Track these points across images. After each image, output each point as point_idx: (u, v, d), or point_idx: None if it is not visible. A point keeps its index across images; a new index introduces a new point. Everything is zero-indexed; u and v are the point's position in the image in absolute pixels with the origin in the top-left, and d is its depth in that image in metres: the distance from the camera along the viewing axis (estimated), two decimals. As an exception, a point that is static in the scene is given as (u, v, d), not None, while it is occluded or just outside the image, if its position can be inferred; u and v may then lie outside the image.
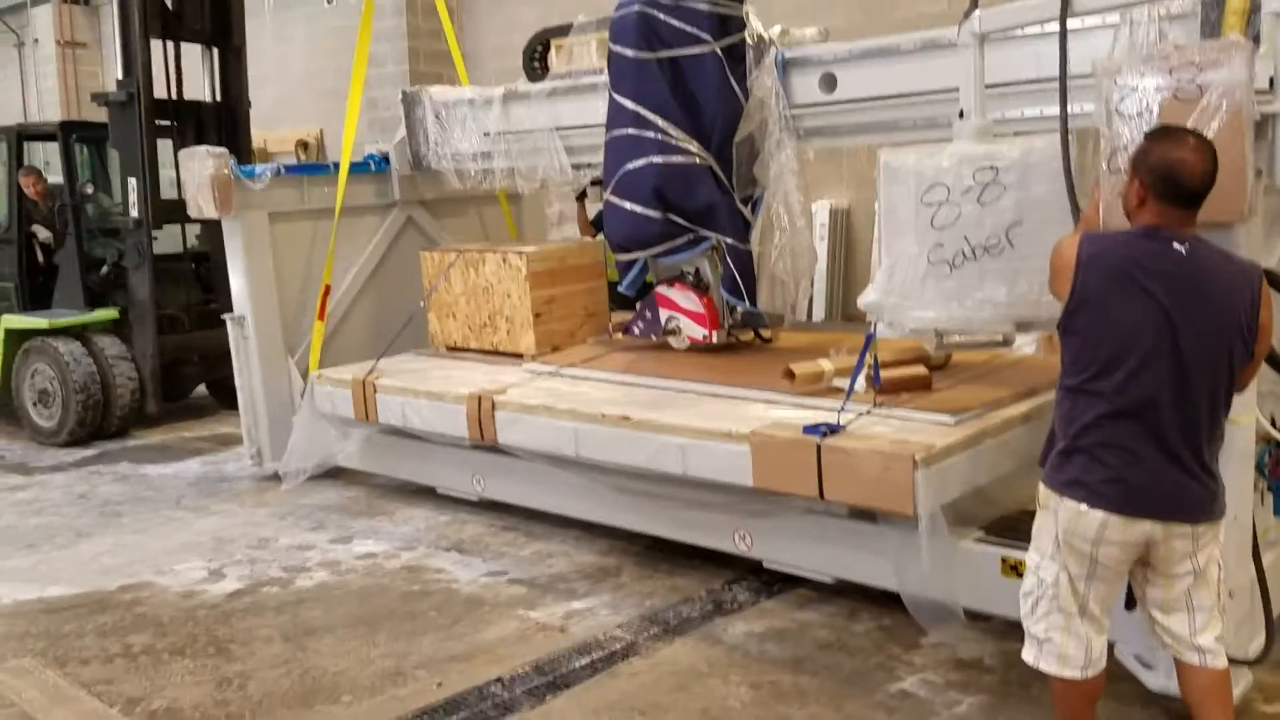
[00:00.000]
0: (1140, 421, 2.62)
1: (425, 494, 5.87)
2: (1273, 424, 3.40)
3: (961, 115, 3.70)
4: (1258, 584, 3.26)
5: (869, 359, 4.13)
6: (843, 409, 4.02)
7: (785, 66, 4.96)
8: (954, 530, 3.76)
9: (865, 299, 3.90)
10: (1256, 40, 3.09)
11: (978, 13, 3.61)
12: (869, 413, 4.07)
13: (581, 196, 7.71)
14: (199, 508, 6.06)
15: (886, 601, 4.10)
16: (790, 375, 4.48)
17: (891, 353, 4.39)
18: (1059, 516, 2.74)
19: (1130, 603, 2.96)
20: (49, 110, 15.96)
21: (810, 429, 3.96)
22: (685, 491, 4.56)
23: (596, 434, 4.63)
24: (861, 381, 4.23)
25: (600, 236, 7.70)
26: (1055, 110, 3.70)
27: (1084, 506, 2.67)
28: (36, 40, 16.20)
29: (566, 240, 7.61)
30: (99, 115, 7.93)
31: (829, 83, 4.86)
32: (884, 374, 4.19)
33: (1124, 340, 2.60)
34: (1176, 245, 2.59)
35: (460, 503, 5.69)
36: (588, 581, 4.72)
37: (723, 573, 4.67)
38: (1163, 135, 2.69)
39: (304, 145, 12.85)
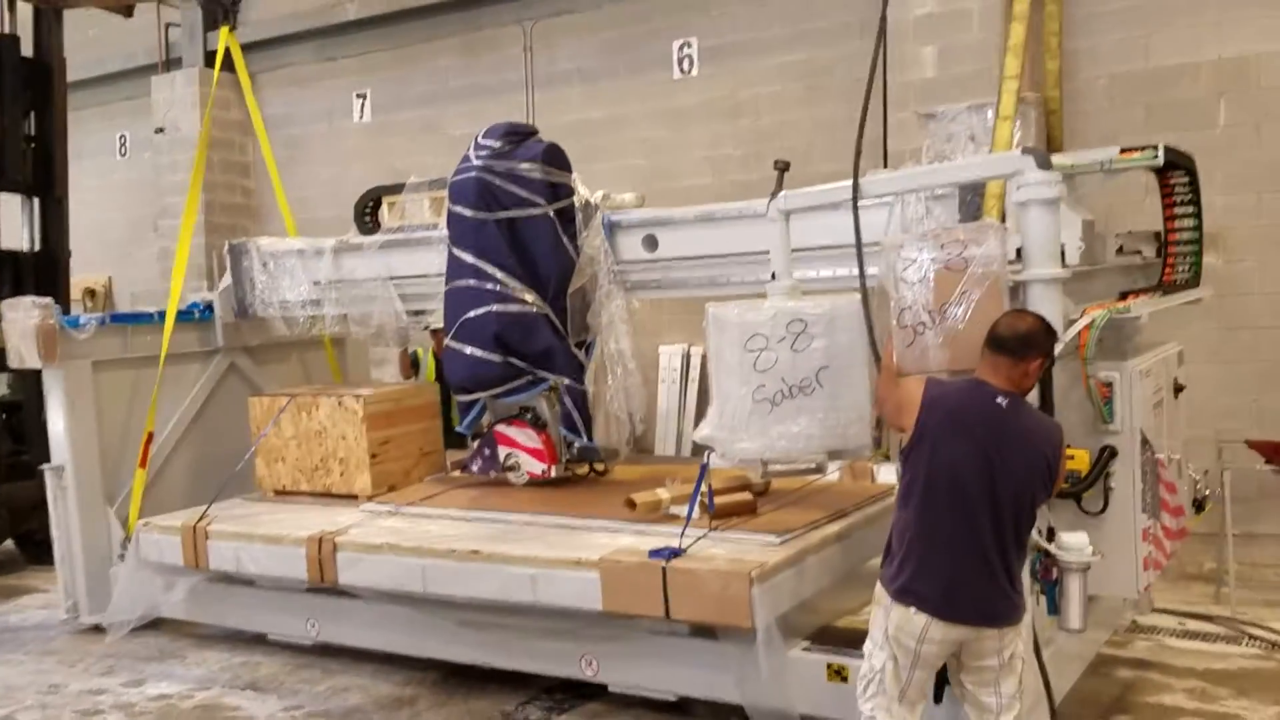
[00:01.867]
0: (961, 542, 3.18)
1: (217, 637, 5.92)
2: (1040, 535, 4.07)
3: (774, 276, 4.31)
4: (1040, 675, 3.83)
5: (704, 487, 4.57)
6: (683, 534, 4.41)
7: (611, 228, 5.52)
8: (786, 640, 4.19)
9: (699, 433, 4.39)
10: (1003, 219, 3.88)
11: (783, 193, 4.28)
12: (706, 536, 4.49)
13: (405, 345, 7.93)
14: None
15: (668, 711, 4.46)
16: (631, 504, 4.86)
17: (720, 481, 4.86)
18: (890, 615, 3.24)
19: (938, 697, 3.47)
20: None
21: (655, 553, 4.33)
22: (530, 621, 4.78)
23: (445, 569, 4.79)
24: (696, 508, 4.65)
25: (417, 378, 7.97)
26: (843, 270, 4.46)
27: (912, 610, 3.19)
28: None
29: (397, 383, 7.77)
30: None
31: (651, 243, 5.45)
32: (717, 500, 4.64)
33: (953, 473, 3.17)
34: (999, 399, 3.21)
35: (254, 644, 5.79)
36: (383, 712, 4.92)
37: (516, 695, 4.98)
38: (1014, 310, 3.38)
39: (91, 293, 12.46)
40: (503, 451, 5.80)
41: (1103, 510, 3.85)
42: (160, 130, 11.20)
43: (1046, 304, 3.46)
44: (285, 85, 9.37)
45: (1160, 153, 3.97)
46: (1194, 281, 4.59)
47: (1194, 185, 4.48)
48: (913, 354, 3.52)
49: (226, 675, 5.45)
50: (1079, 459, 3.74)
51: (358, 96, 10.79)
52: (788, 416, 4.20)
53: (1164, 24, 6.72)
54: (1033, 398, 3.44)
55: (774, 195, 4.30)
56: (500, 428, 5.81)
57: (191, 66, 11.22)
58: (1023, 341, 3.21)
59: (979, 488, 3.16)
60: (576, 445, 5.69)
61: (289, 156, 10.45)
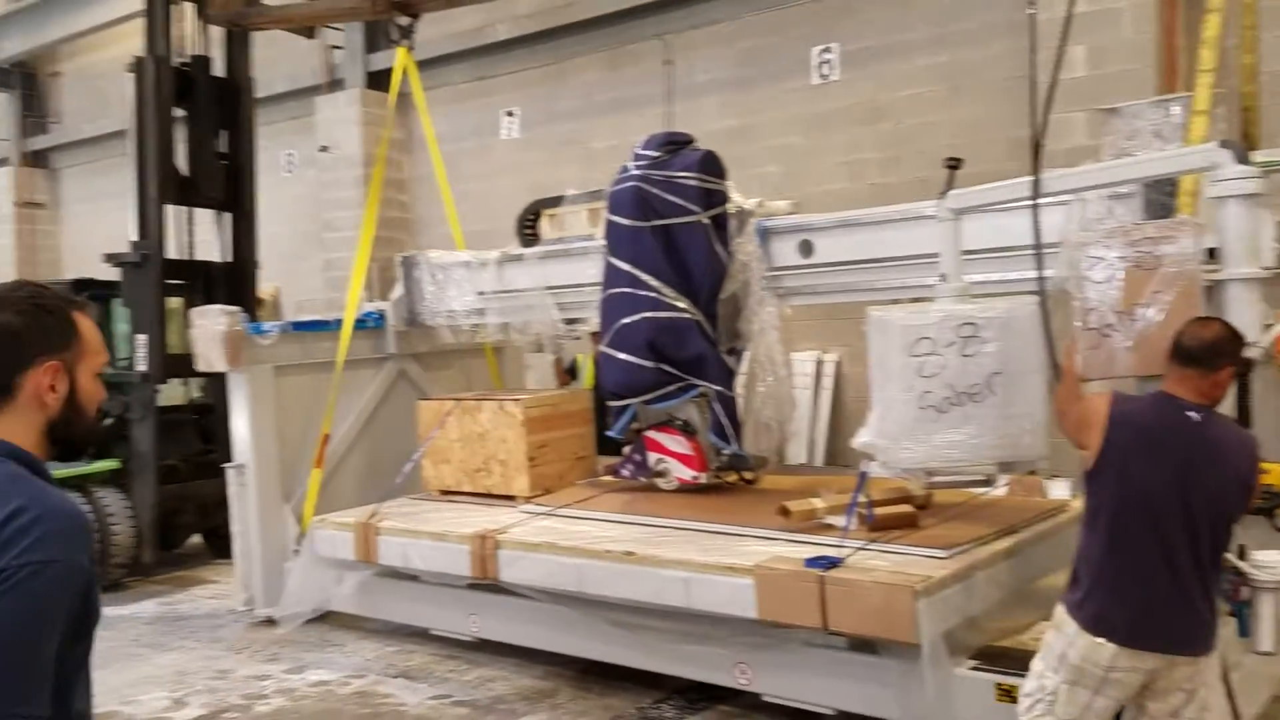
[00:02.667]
0: (1155, 567, 3.00)
1: (374, 629, 6.16)
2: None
3: (943, 278, 4.19)
4: (1228, 700, 3.57)
5: (862, 497, 4.48)
6: (841, 544, 4.33)
7: (765, 234, 5.50)
8: (951, 658, 4.04)
9: (858, 440, 4.30)
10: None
11: (954, 192, 4.16)
12: (865, 548, 4.39)
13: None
14: (158, 644, 6.26)
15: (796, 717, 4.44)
16: (785, 513, 4.80)
17: (879, 491, 4.75)
18: (1076, 643, 3.08)
19: None
20: (3, 268, 16.15)
21: (812, 562, 4.25)
22: (682, 625, 4.78)
23: (600, 569, 4.86)
24: (854, 519, 4.56)
25: (573, 384, 8.12)
26: (1007, 274, 4.31)
27: (1100, 639, 3.03)
28: None
29: (555, 389, 7.94)
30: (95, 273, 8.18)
31: (806, 248, 5.40)
32: (876, 511, 4.53)
33: (1145, 495, 3.00)
34: (1190, 413, 3.03)
35: (407, 635, 6.01)
36: (526, 703, 5.06)
37: (652, 692, 5.04)
38: (1198, 318, 3.18)
39: (260, 302, 13.20)
40: (653, 457, 5.84)
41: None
42: (324, 148, 11.76)
43: (1245, 305, 3.25)
44: (438, 104, 9.71)
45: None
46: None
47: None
48: (1098, 358, 3.35)
49: (381, 664, 5.69)
50: (1274, 473, 3.47)
51: (506, 114, 11.13)
52: (955, 424, 4.07)
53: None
54: (1227, 408, 3.22)
55: (944, 193, 4.18)
56: (651, 434, 5.85)
57: (353, 87, 11.78)
58: (1212, 351, 3.01)
59: (1173, 509, 2.98)
60: (725, 452, 5.68)
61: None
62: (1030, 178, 3.88)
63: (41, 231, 16.56)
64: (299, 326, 6.70)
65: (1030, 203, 3.85)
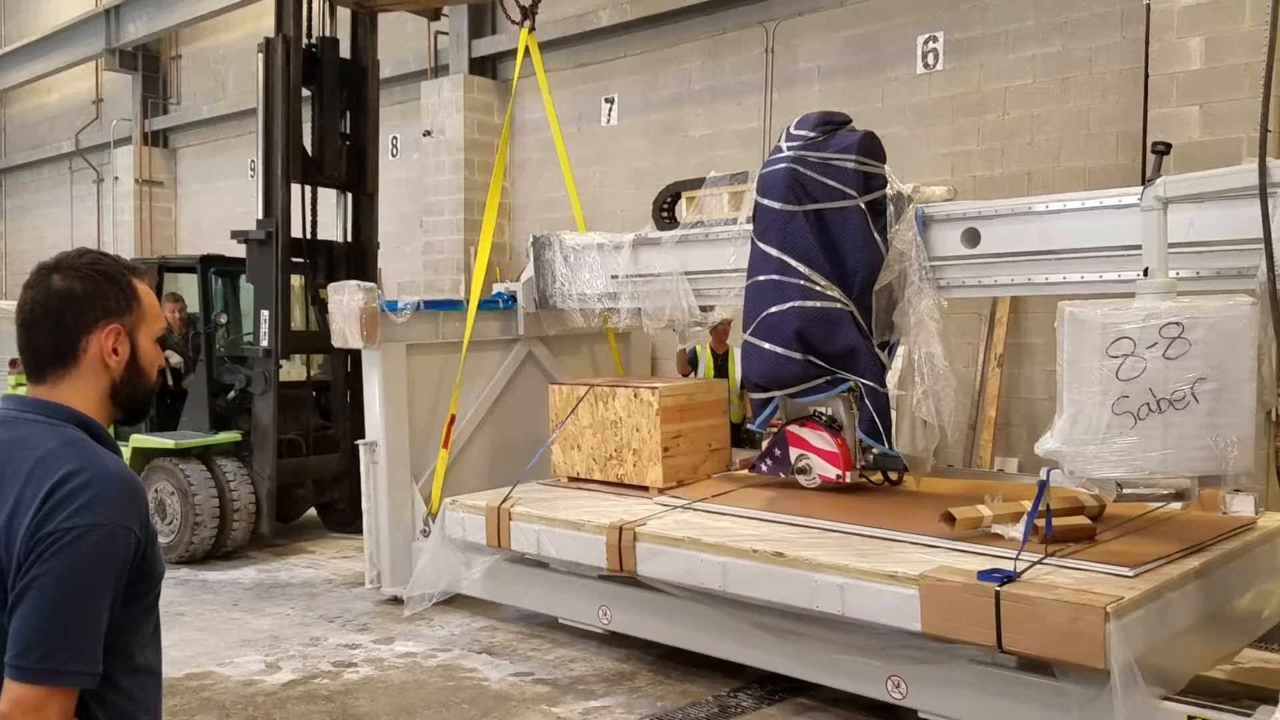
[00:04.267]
0: None
1: (460, 604, 6.23)
2: None
3: (1146, 273, 3.85)
4: None
5: (1042, 507, 4.16)
6: (1018, 557, 4.03)
7: (925, 221, 5.18)
8: (1144, 686, 3.71)
9: (1045, 445, 3.97)
10: None
11: (1163, 178, 3.80)
12: (1041, 561, 4.08)
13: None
14: (255, 610, 6.46)
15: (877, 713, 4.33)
16: (950, 519, 4.51)
17: (1052, 501, 4.42)
18: None
19: None
20: (124, 243, 16.75)
21: (985, 574, 3.96)
22: (831, 633, 4.53)
23: (747, 570, 4.64)
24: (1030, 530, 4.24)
25: (694, 374, 7.91)
26: (1200, 268, 3.95)
27: None
28: (116, 178, 17.21)
29: (689, 378, 7.76)
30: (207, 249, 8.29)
31: (972, 237, 5.07)
32: (1055, 523, 4.21)
33: None
34: None
35: (490, 612, 6.16)
36: (605, 684, 5.13)
37: (730, 681, 5.08)
38: None
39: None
40: (794, 453, 5.59)
41: None
42: (428, 133, 11.91)
43: None
44: (537, 91, 9.77)
45: None
46: None
47: None
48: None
49: (466, 639, 5.78)
50: None
51: (605, 100, 11.11)
52: (1154, 433, 3.73)
53: None
54: None
55: (1150, 181, 3.83)
56: (793, 428, 5.60)
57: (457, 73, 11.93)
58: None
59: None
60: (875, 451, 5.40)
61: (542, 159, 10.89)
62: (1254, 164, 3.50)
63: (159, 209, 17.12)
64: (431, 305, 6.63)
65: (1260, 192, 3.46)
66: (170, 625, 5.95)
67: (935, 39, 8.80)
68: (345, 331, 6.20)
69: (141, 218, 16.95)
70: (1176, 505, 4.79)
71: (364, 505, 6.39)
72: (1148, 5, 7.36)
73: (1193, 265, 4.35)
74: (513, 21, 6.84)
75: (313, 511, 8.71)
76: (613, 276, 6.44)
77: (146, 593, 1.73)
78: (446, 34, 12.24)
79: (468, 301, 6.59)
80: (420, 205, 12.02)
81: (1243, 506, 4.81)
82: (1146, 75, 7.40)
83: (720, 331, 7.90)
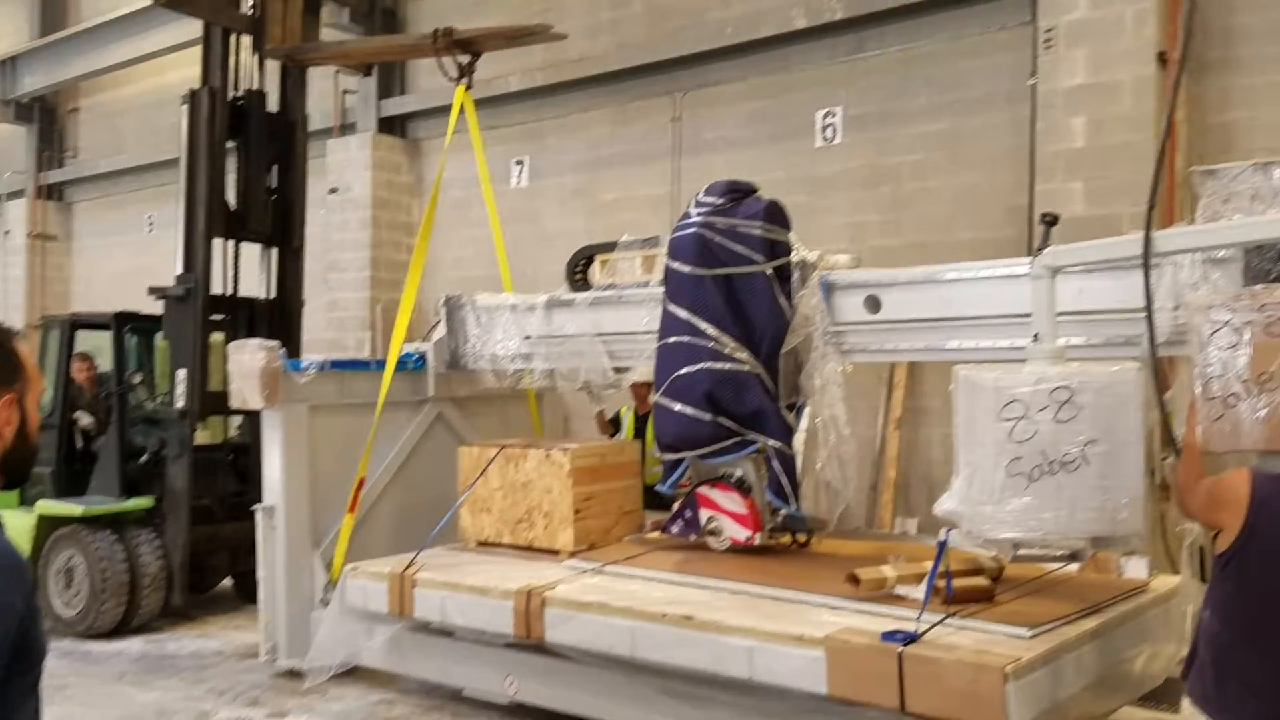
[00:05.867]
0: None
1: (360, 676, 6.03)
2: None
3: (1036, 338, 3.98)
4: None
5: (942, 567, 4.22)
6: (920, 617, 4.07)
7: (829, 287, 5.30)
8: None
9: (943, 506, 4.05)
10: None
11: (1051, 248, 3.96)
12: (942, 622, 4.12)
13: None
14: (141, 683, 6.24)
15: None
16: (854, 580, 4.54)
17: (952, 562, 4.49)
18: None
19: None
20: (15, 299, 16.20)
21: (889, 635, 3.99)
22: (741, 698, 4.50)
23: (655, 633, 4.59)
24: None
25: (618, 436, 7.89)
26: (1091, 337, 4.12)
27: None
28: (7, 232, 16.71)
29: (601, 439, 7.73)
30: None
31: (873, 304, 5.20)
32: (955, 583, 4.27)
33: None
34: None
35: (391, 684, 5.97)
36: None
37: None
38: None
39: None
40: (704, 514, 5.59)
41: None
42: (333, 190, 11.95)
43: (1395, 380, 3.01)
44: (450, 150, 9.98)
45: None
46: None
47: None
48: (1222, 429, 3.12)
49: (362, 713, 5.64)
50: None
51: (515, 162, 11.30)
52: (1047, 494, 3.83)
53: None
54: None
55: (1039, 250, 3.99)
56: (704, 490, 5.61)
57: (365, 131, 12.05)
58: None
59: None
60: (783, 513, 5.43)
61: (452, 218, 10.95)
62: (1139, 235, 3.68)
63: (52, 264, 16.65)
64: (337, 365, 6.50)
65: (1138, 263, 3.63)
66: (51, 700, 5.55)
67: (833, 114, 9.18)
68: (244, 392, 6.04)
69: (34, 273, 16.44)
70: (1073, 567, 4.94)
71: (260, 573, 6.17)
72: (1033, 86, 7.78)
73: (1083, 332, 4.52)
74: (450, 79, 6.87)
75: (228, 581, 8.38)
76: (526, 337, 6.43)
77: (28, 671, 1.69)
78: (355, 92, 12.36)
79: (381, 361, 6.47)
80: (324, 262, 11.95)
81: (1136, 569, 4.96)
82: (1033, 152, 7.80)
83: (642, 393, 7.92)
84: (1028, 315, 4.30)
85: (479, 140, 7.11)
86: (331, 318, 11.91)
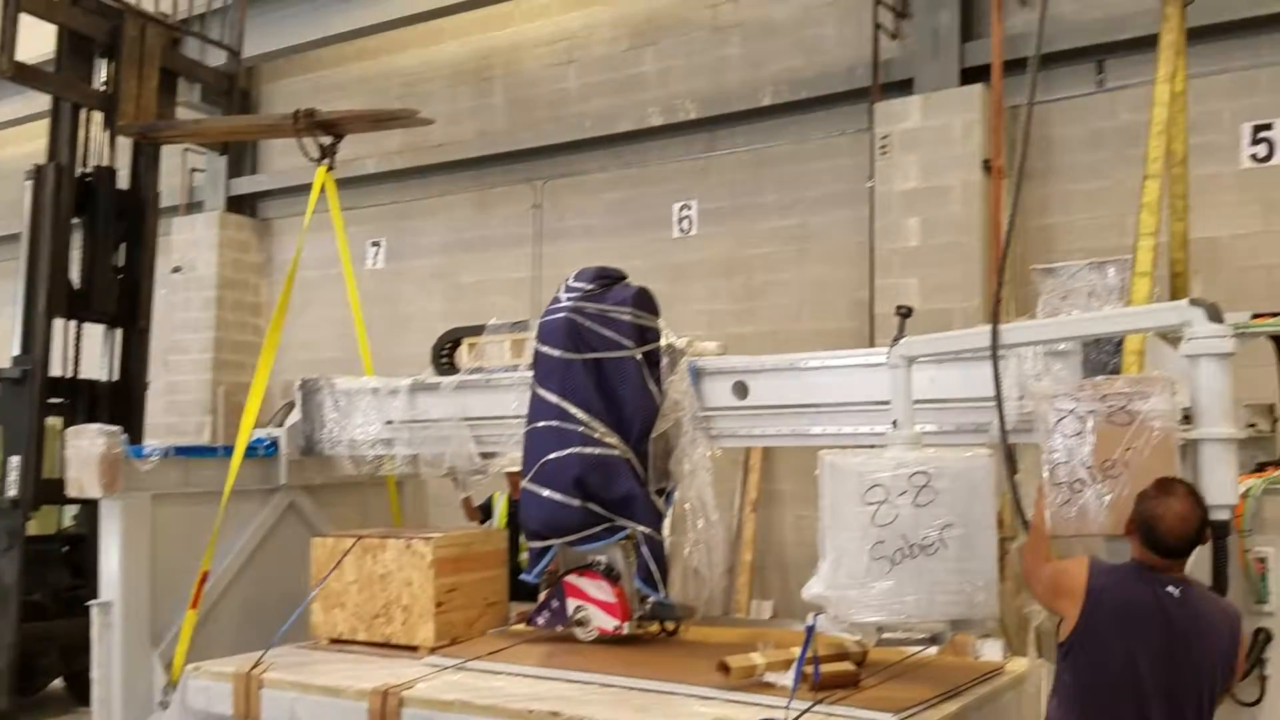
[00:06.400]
0: None
1: None
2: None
3: (895, 425, 4.13)
4: None
5: (810, 653, 4.25)
6: (789, 705, 4.07)
7: (697, 373, 5.39)
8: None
9: (810, 590, 4.10)
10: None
11: (906, 339, 4.15)
12: (811, 709, 4.13)
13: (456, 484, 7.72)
14: None
15: None
16: (725, 669, 4.51)
17: (819, 647, 4.52)
18: None
19: None
20: None
21: (761, 726, 3.97)
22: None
23: (522, 733, 4.42)
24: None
25: (489, 523, 7.72)
26: (942, 423, 4.31)
27: None
28: None
29: (464, 527, 7.52)
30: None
31: (741, 390, 5.30)
32: (822, 669, 4.30)
33: (1125, 673, 2.89)
34: (1170, 589, 2.95)
35: None
36: None
37: None
38: (1158, 487, 3.10)
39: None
40: (572, 604, 5.49)
41: (1258, 701, 3.50)
42: (177, 269, 11.69)
43: (1221, 466, 3.25)
44: (299, 231, 9.85)
45: (1296, 318, 3.83)
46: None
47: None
48: (1069, 514, 3.28)
49: None
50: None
51: (372, 244, 11.29)
52: (908, 577, 3.93)
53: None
54: (1204, 572, 3.17)
55: (895, 340, 4.16)
56: (571, 578, 5.52)
57: (213, 210, 11.92)
58: (1190, 543, 3.00)
59: (1154, 687, 2.88)
60: (651, 600, 5.39)
61: (303, 299, 10.78)
62: (988, 328, 3.89)
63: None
64: (182, 451, 6.16)
65: (987, 354, 3.84)
66: None
67: (689, 207, 9.62)
68: (82, 480, 5.63)
69: None
70: (932, 650, 5.06)
71: (94, 674, 5.69)
72: (871, 188, 8.27)
73: (936, 420, 4.71)
74: (311, 159, 6.76)
75: (60, 683, 7.72)
76: (388, 422, 6.25)
77: None
78: (204, 170, 12.11)
79: (229, 448, 6.16)
80: (165, 343, 11.47)
81: (992, 651, 5.11)
82: (872, 249, 8.28)
83: (517, 480, 7.79)
84: (886, 402, 4.47)
85: (340, 221, 7.00)
86: (171, 401, 11.42)
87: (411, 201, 11.20)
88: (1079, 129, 7.92)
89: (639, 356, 5.39)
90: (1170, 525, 2.98)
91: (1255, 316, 3.96)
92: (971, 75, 8.17)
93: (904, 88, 8.46)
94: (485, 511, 7.79)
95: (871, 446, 4.31)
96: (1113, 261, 4.29)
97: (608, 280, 5.62)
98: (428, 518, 7.64)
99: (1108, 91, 7.87)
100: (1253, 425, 4.68)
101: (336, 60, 11.73)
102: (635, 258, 9.32)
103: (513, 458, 5.96)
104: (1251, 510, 3.41)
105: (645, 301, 5.50)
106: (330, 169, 6.78)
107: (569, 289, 5.59)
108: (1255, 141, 7.41)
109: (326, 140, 6.72)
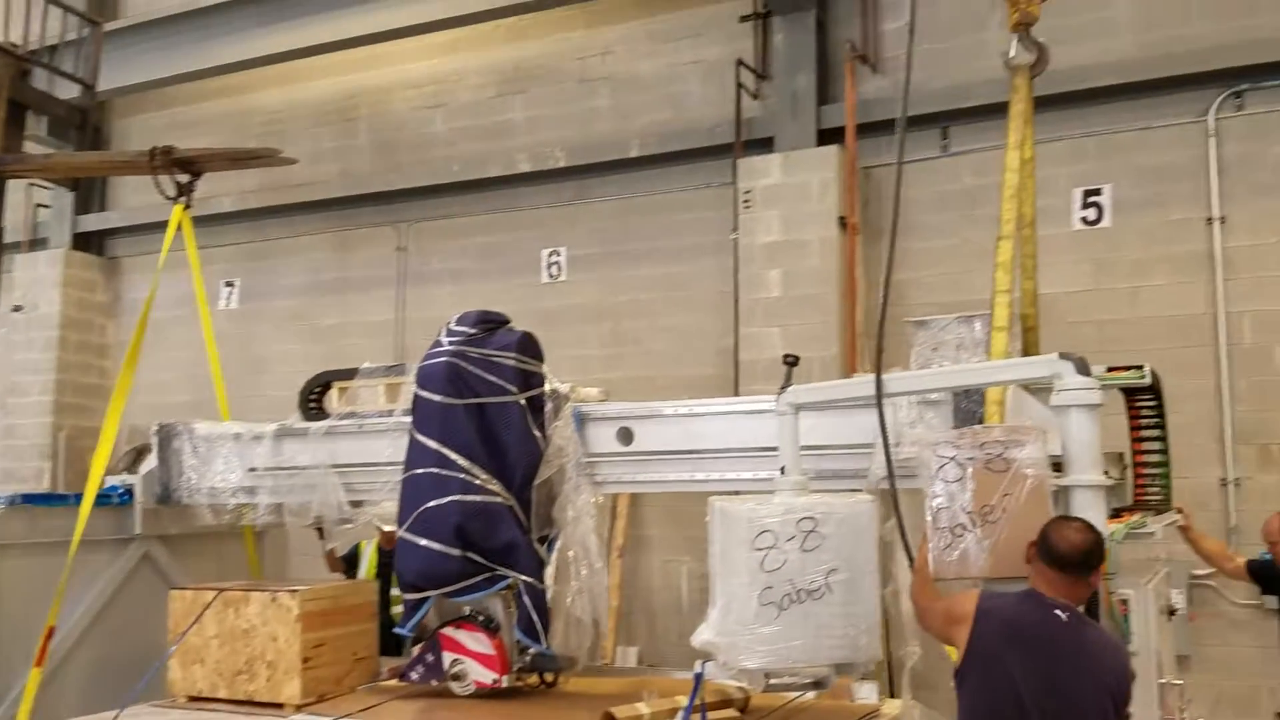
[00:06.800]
0: None
1: None
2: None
3: (782, 471, 4.23)
4: None
5: (697, 701, 4.26)
6: (679, 753, 4.07)
7: (582, 419, 5.39)
8: None
9: (700, 637, 4.12)
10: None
11: (793, 387, 4.27)
12: (700, 756, 4.15)
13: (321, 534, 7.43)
14: None
15: None
16: None
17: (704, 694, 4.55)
18: None
19: None
20: None
21: (649, 776, 3.95)
22: None
23: (398, 794, 4.27)
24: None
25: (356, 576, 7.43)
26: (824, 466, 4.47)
27: None
28: None
29: (331, 580, 7.22)
30: None
31: (626, 436, 5.33)
32: (709, 716, 4.32)
33: (1012, 694, 3.01)
34: (1058, 611, 3.10)
35: None
36: None
37: None
38: (1059, 519, 3.30)
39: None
40: (448, 658, 5.33)
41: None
42: (18, 309, 11.11)
43: (1091, 512, 3.47)
44: (150, 270, 9.51)
45: (1147, 373, 4.15)
46: (1166, 503, 4.72)
47: (1161, 408, 4.69)
48: (949, 557, 3.43)
49: None
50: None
51: (226, 284, 10.92)
52: (795, 622, 4.00)
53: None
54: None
55: (783, 388, 4.28)
56: (447, 631, 5.36)
57: (58, 248, 11.36)
58: (1087, 559, 3.17)
59: (1044, 709, 3.01)
60: (532, 651, 5.30)
61: (151, 340, 10.23)
62: (870, 377, 4.06)
63: None
64: (28, 499, 5.73)
65: (865, 402, 4.00)
66: None
67: (558, 253, 9.68)
68: (-90, 531, 5.15)
69: None
70: (812, 695, 5.16)
71: (-86, 747, 5.17)
72: (735, 240, 8.55)
73: (816, 466, 4.84)
74: (167, 198, 6.49)
75: None
76: (251, 469, 5.98)
77: None
78: (49, 206, 11.46)
79: (79, 496, 5.76)
80: (4, 385, 10.75)
81: (868, 694, 5.25)
82: (736, 299, 8.53)
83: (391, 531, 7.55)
84: (770, 448, 4.58)
85: (197, 261, 6.73)
86: (7, 445, 10.66)
87: (269, 241, 10.87)
88: (927, 191, 8.39)
89: (523, 402, 5.35)
90: (1065, 534, 3.17)
91: (1110, 370, 4.27)
92: (828, 136, 8.57)
93: (765, 145, 8.79)
94: (349, 562, 7.50)
95: (755, 492, 4.39)
96: (979, 316, 4.55)
97: (491, 324, 5.57)
98: (288, 569, 7.32)
99: (951, 156, 8.38)
100: (1105, 473, 5.02)
101: (196, 96, 11.32)
102: (504, 302, 9.17)
103: (384, 508, 5.79)
104: (1114, 555, 3.66)
105: (529, 346, 5.48)
106: (188, 207, 6.53)
107: (450, 333, 5.51)
108: (1085, 205, 8.01)
109: (184, 178, 6.47)
